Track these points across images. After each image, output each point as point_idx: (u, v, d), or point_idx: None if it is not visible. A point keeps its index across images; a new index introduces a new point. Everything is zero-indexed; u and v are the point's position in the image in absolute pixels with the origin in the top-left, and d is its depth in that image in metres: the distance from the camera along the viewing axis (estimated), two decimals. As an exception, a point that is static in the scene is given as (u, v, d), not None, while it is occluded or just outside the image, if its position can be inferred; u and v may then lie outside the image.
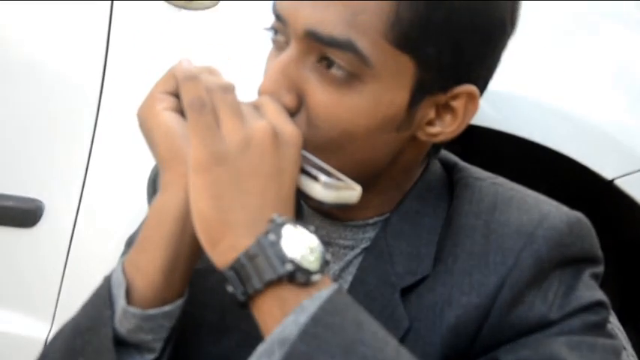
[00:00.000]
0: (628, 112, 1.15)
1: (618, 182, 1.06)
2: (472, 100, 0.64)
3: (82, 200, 1.21)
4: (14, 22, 1.26)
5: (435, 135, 0.66)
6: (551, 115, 1.09)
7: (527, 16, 0.68)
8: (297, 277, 0.52)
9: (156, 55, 1.19)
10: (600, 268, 0.68)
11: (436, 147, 0.71)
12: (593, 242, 0.68)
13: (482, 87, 0.66)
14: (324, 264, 0.54)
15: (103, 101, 1.20)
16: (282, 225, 0.53)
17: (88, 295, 0.67)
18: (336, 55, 0.59)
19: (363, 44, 0.58)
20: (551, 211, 0.66)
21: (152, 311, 0.61)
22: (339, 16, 0.58)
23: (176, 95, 0.60)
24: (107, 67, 1.18)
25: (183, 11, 1.17)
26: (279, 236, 0.52)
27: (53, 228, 1.22)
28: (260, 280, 0.52)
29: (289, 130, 0.57)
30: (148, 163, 0.90)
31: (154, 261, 0.61)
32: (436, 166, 0.74)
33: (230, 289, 0.54)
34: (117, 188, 1.22)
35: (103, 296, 0.63)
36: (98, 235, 1.22)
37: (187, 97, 0.55)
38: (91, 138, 1.20)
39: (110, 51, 1.18)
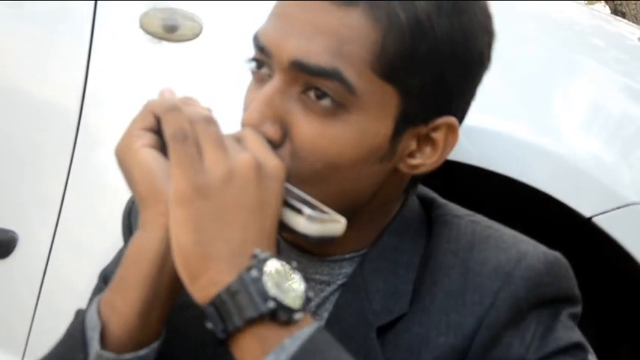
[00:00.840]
0: (606, 149, 1.16)
1: (596, 220, 1.06)
2: (452, 132, 0.65)
3: (57, 231, 1.19)
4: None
5: (415, 167, 0.66)
6: (529, 151, 1.10)
7: (506, 53, 0.69)
8: (279, 315, 0.51)
9: (135, 87, 1.18)
10: (578, 308, 0.68)
11: (414, 181, 0.71)
12: (570, 282, 0.68)
13: (461, 119, 0.67)
14: (306, 302, 0.53)
15: (80, 131, 1.19)
16: (264, 260, 0.53)
17: (61, 334, 0.65)
18: (322, 84, 0.59)
19: (349, 73, 0.58)
20: (529, 251, 0.66)
21: (127, 356, 0.60)
22: (326, 47, 0.58)
23: (154, 131, 0.60)
24: (85, 97, 1.17)
25: (164, 43, 1.17)
26: (261, 272, 0.52)
27: (27, 259, 1.20)
28: (240, 318, 0.51)
29: (272, 162, 0.57)
30: (124, 194, 0.89)
31: (130, 302, 0.60)
32: (414, 202, 0.74)
33: (209, 325, 0.53)
34: (92, 220, 1.20)
35: (76, 338, 0.62)
36: (72, 267, 1.20)
37: (170, 128, 0.54)
38: (67, 168, 1.18)
39: (89, 81, 1.17)
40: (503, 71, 0.70)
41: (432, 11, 0.59)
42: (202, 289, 0.53)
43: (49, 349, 0.66)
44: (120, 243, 0.91)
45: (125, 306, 0.60)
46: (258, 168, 0.55)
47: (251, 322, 0.51)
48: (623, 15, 4.71)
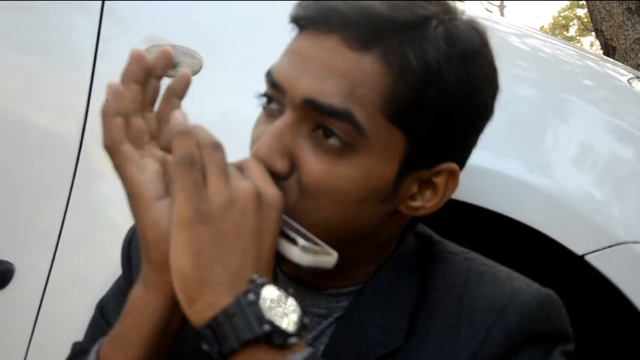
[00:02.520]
0: (597, 187, 1.18)
1: (589, 258, 1.08)
2: (453, 177, 0.67)
3: (55, 262, 1.19)
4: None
5: (415, 209, 0.68)
6: (522, 189, 1.11)
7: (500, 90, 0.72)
8: (274, 338, 0.53)
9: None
10: (571, 346, 0.69)
11: (413, 221, 0.73)
12: (564, 319, 0.69)
13: (462, 165, 0.69)
14: (302, 327, 0.55)
15: (80, 161, 1.19)
16: (262, 285, 0.54)
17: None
18: (333, 125, 0.61)
19: (360, 116, 0.60)
20: (522, 287, 0.68)
21: None
22: (339, 88, 0.60)
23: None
24: (86, 127, 1.18)
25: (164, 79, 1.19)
26: (258, 296, 0.53)
27: (23, 291, 1.20)
28: (236, 340, 0.52)
29: (272, 192, 0.59)
30: (122, 226, 0.90)
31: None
32: (410, 238, 0.75)
33: (205, 347, 0.54)
34: (90, 251, 1.21)
35: None
36: (69, 299, 1.20)
37: (179, 152, 0.56)
38: (66, 199, 1.19)
39: (90, 112, 1.18)
40: (496, 110, 0.72)
41: (443, 60, 0.61)
42: (199, 312, 0.54)
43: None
44: (117, 273, 0.91)
45: None
46: (258, 197, 0.57)
47: (246, 345, 0.52)
48: (614, 49, 4.77)
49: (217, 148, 0.58)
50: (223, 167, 0.57)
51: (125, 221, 0.63)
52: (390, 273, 0.71)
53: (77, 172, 1.19)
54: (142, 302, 0.61)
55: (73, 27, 1.28)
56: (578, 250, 1.08)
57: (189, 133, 0.56)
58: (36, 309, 1.18)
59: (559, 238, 1.08)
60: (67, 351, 0.83)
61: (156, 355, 0.61)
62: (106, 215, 1.18)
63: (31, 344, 1.19)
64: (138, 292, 0.62)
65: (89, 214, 1.20)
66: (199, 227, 0.54)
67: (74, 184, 1.18)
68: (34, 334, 1.18)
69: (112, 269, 0.97)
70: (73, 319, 1.10)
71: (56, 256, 1.18)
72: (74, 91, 1.21)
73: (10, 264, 1.20)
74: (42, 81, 1.25)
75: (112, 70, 1.21)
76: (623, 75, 1.49)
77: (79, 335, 0.87)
